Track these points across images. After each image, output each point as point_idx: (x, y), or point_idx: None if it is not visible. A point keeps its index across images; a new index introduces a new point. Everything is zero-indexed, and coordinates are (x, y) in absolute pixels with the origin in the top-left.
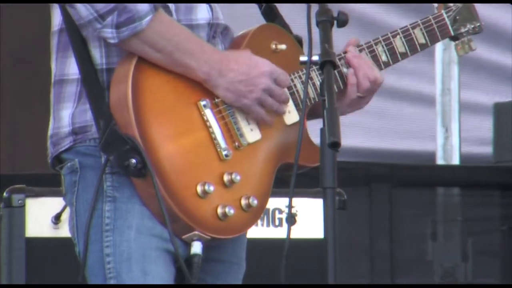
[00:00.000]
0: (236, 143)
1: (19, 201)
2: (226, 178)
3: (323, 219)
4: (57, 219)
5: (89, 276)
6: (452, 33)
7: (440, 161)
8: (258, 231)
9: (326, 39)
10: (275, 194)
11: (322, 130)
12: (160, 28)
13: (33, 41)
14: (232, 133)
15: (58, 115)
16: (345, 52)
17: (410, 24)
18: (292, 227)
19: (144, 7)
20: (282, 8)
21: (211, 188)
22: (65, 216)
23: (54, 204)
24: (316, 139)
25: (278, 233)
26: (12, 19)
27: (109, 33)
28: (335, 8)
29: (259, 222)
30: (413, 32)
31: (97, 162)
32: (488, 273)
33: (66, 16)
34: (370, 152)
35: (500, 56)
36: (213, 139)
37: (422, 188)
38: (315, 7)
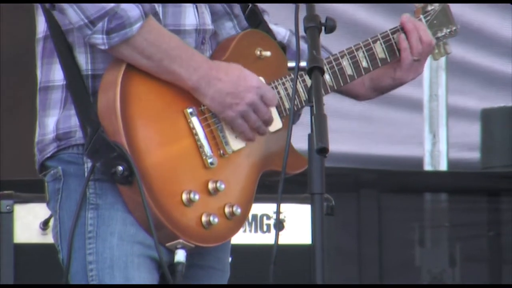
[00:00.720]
0: (221, 151)
1: (7, 207)
2: (210, 186)
3: (311, 225)
4: (45, 225)
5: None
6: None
7: (427, 167)
8: (246, 237)
9: (314, 45)
10: (263, 200)
11: (310, 136)
12: (150, 35)
13: (21, 46)
14: (217, 141)
15: (44, 122)
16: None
17: (390, 30)
18: (280, 233)
19: (134, 13)
20: (269, 12)
21: (196, 196)
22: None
23: (42, 210)
24: (300, 144)
25: (266, 239)
26: (3, 25)
27: (99, 39)
28: (321, 8)
29: (247, 228)
30: (393, 38)
31: (80, 170)
32: (476, 278)
33: (51, 22)
34: (357, 158)
35: (487, 61)
36: (198, 147)
37: (410, 194)
38: (302, 7)
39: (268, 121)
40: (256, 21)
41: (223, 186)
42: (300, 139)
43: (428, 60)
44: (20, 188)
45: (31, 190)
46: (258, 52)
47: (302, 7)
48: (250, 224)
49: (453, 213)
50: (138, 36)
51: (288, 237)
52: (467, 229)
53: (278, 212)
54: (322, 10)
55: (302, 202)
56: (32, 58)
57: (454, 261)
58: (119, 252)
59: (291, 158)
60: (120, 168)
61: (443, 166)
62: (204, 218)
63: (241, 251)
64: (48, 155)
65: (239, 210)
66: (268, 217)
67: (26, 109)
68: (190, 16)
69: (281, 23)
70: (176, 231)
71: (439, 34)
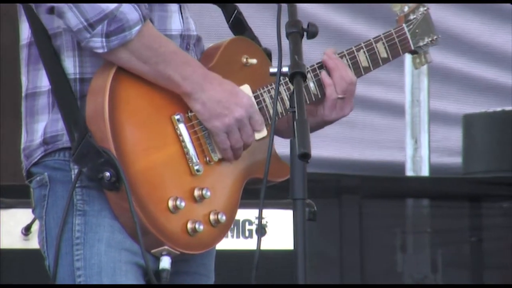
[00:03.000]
0: (207, 158)
1: None
2: (196, 193)
3: (293, 230)
4: (27, 230)
5: None
6: (412, 47)
7: (409, 172)
8: (228, 243)
9: (296, 50)
10: (245, 206)
11: (292, 141)
12: (148, 39)
13: (5, 52)
14: (203, 148)
15: (32, 128)
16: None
17: (373, 38)
18: (262, 239)
19: (133, 16)
20: (253, 19)
21: (182, 203)
22: (35, 227)
23: (25, 215)
24: (284, 149)
25: (248, 244)
26: None
27: (98, 42)
28: (302, 14)
29: (229, 233)
30: (376, 46)
31: (66, 176)
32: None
33: (35, 27)
34: (339, 163)
35: (468, 67)
36: (185, 154)
37: (391, 200)
38: (284, 9)
39: (247, 144)
40: (241, 30)
41: (208, 193)
42: (283, 144)
43: (409, 66)
44: (2, 193)
45: (14, 195)
46: (245, 60)
47: (284, 8)
48: (232, 230)
49: (435, 219)
50: (136, 39)
51: (270, 243)
52: (449, 235)
53: (260, 218)
54: (304, 16)
55: (284, 208)
56: (16, 63)
57: (436, 267)
58: (107, 258)
59: (275, 166)
60: (108, 174)
61: (424, 172)
62: (189, 225)
63: (223, 256)
64: (35, 160)
65: (224, 218)
66: (250, 223)
67: (10, 115)
68: (175, 21)
69: (263, 26)
70: (161, 238)
71: (421, 43)
